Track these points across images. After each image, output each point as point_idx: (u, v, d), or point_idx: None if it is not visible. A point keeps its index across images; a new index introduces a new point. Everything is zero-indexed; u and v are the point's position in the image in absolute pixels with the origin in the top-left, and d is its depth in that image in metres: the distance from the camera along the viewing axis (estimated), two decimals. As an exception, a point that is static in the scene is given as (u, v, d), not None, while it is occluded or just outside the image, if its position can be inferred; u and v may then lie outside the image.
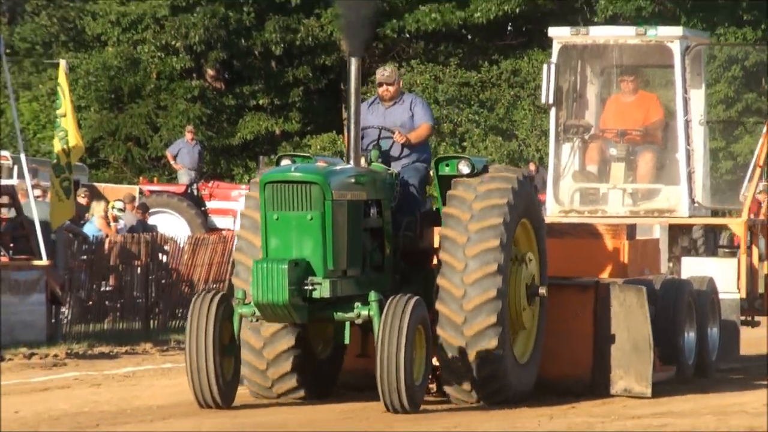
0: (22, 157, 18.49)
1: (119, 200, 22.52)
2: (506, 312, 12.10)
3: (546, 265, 12.78)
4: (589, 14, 34.38)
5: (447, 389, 12.16)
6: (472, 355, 11.91)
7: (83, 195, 22.10)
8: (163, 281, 20.02)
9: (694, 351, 14.15)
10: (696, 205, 15.57)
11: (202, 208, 26.94)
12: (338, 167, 11.97)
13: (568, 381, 12.90)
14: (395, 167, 12.57)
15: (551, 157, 15.85)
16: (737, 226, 15.41)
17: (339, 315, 11.73)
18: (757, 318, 15.70)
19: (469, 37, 36.42)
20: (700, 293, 14.35)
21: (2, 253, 17.27)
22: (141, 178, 31.25)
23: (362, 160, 12.21)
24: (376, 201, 12.17)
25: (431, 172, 12.58)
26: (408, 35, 35.59)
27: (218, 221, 26.76)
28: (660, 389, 12.93)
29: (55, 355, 16.01)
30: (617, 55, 15.66)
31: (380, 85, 12.79)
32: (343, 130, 30.26)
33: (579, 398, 12.63)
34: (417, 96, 13.25)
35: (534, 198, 12.74)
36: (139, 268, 19.66)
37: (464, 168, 12.34)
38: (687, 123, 15.50)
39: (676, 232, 15.85)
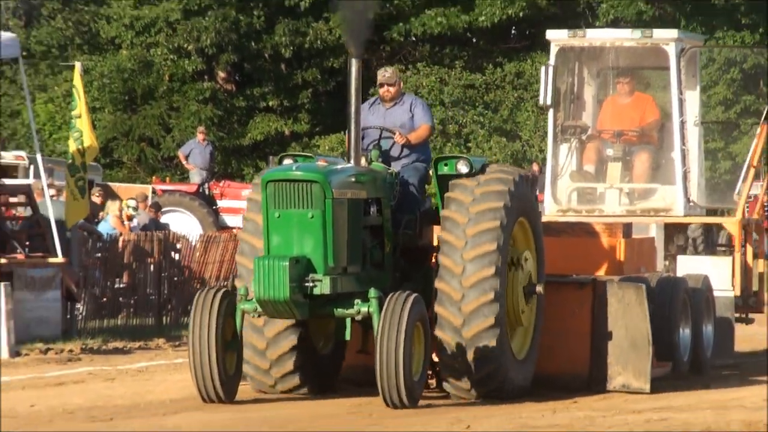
0: (38, 157, 18.49)
1: (132, 199, 22.48)
2: (504, 313, 12.03)
3: (543, 263, 12.71)
4: (591, 18, 34.34)
5: (446, 386, 12.10)
6: (470, 355, 11.85)
7: (97, 194, 22.08)
8: (176, 278, 19.98)
9: (689, 348, 14.10)
10: (691, 204, 15.51)
11: (214, 207, 26.90)
12: (339, 166, 11.92)
13: (567, 377, 12.84)
14: (395, 167, 12.52)
15: (549, 157, 15.79)
16: (732, 224, 15.36)
17: (339, 311, 11.68)
18: (751, 315, 15.66)
19: (474, 40, 36.40)
20: (695, 291, 14.30)
21: (18, 251, 17.23)
22: (154, 177, 31.22)
23: (363, 160, 12.16)
24: (376, 199, 12.12)
25: (430, 172, 12.52)
26: (414, 38, 35.56)
27: (229, 220, 26.70)
28: (658, 385, 12.88)
29: (70, 351, 15.99)
30: (613, 57, 15.62)
31: (381, 85, 12.74)
32: (349, 131, 30.14)
33: (580, 393, 12.58)
34: (417, 97, 13.20)
35: (531, 197, 12.68)
36: (152, 266, 19.62)
37: (463, 168, 12.28)
38: (682, 124, 15.46)
39: (672, 230, 15.79)
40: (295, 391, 12.20)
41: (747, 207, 28.70)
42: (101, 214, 21.61)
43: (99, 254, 18.97)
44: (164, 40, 34.10)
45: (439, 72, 34.58)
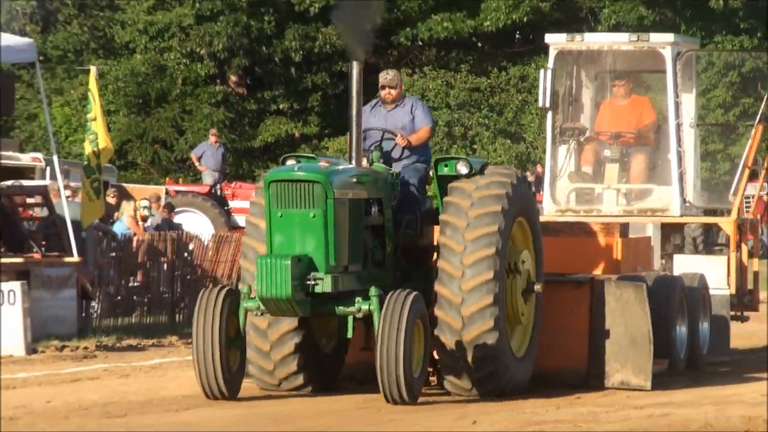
0: (55, 158, 18.46)
1: (145, 199, 22.45)
2: (503, 316, 11.94)
3: (542, 263, 12.62)
4: (593, 23, 34.29)
5: (447, 384, 12.01)
6: (470, 356, 11.77)
7: (112, 195, 22.05)
8: (188, 277, 19.91)
9: (685, 345, 14.03)
10: (687, 204, 15.44)
11: (225, 208, 26.87)
12: (340, 167, 11.86)
13: (566, 374, 12.75)
14: (396, 167, 12.44)
15: (548, 158, 15.72)
16: (727, 224, 15.28)
17: (340, 309, 11.61)
18: (746, 313, 15.56)
19: (479, 44, 36.36)
20: (692, 289, 14.23)
21: (35, 250, 17.20)
22: (167, 178, 31.22)
23: (364, 161, 12.09)
24: (378, 200, 12.05)
25: (431, 173, 12.44)
26: (421, 43, 35.55)
27: (240, 220, 26.59)
28: (655, 381, 12.76)
29: (86, 348, 15.96)
30: (611, 60, 15.55)
31: (383, 88, 12.67)
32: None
33: (582, 390, 12.52)
34: (417, 99, 13.12)
35: (530, 197, 12.58)
36: (165, 265, 19.56)
37: (462, 168, 12.20)
38: (678, 126, 15.38)
39: (668, 230, 15.72)
40: (299, 389, 12.12)
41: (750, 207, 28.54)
42: (116, 214, 21.58)
43: (113, 254, 18.93)
44: (177, 45, 34.10)
45: (446, 75, 34.56)
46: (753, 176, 15.97)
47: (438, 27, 34.59)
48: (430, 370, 12.20)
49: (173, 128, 34.25)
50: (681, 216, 15.43)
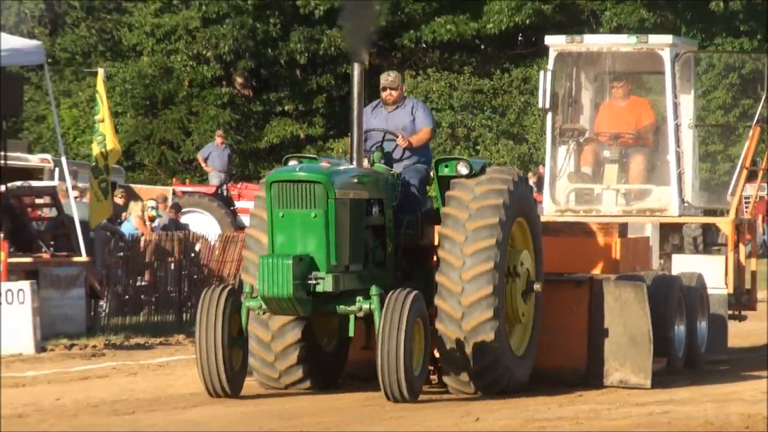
0: (63, 160, 18.45)
1: (152, 199, 22.46)
2: (503, 306, 11.91)
3: (542, 262, 12.58)
4: (594, 25, 34.25)
5: (446, 378, 11.97)
6: (469, 347, 11.73)
7: (120, 195, 22.07)
8: (195, 276, 19.90)
9: (683, 343, 13.99)
10: (685, 204, 15.39)
11: (232, 208, 26.86)
12: (342, 167, 11.84)
13: (565, 373, 12.71)
14: (397, 168, 12.41)
15: (547, 159, 15.69)
16: (725, 224, 15.24)
17: (341, 308, 11.59)
18: (743, 312, 15.52)
19: (482, 46, 36.34)
20: (690, 289, 14.20)
21: (44, 250, 17.21)
22: (174, 179, 31.20)
23: (365, 161, 12.06)
24: (378, 200, 12.02)
25: (431, 173, 12.41)
26: (425, 45, 35.52)
27: (246, 220, 26.56)
28: (654, 380, 12.70)
29: (94, 346, 15.95)
30: (610, 62, 15.51)
31: (384, 89, 12.65)
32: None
33: (583, 388, 12.49)
34: (418, 100, 13.12)
35: (529, 198, 12.55)
36: (172, 264, 19.57)
37: (463, 169, 12.18)
38: (677, 126, 15.35)
39: (667, 230, 15.68)
40: (299, 384, 12.09)
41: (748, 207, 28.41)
42: (124, 214, 21.58)
43: (121, 253, 18.94)
44: (184, 47, 34.09)
45: (449, 77, 34.54)
46: (752, 177, 15.93)
47: (441, 29, 34.56)
48: (431, 368, 12.16)
49: (180, 130, 34.23)
50: (679, 216, 15.39)
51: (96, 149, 17.64)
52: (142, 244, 19.33)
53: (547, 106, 15.32)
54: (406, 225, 12.17)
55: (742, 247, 15.21)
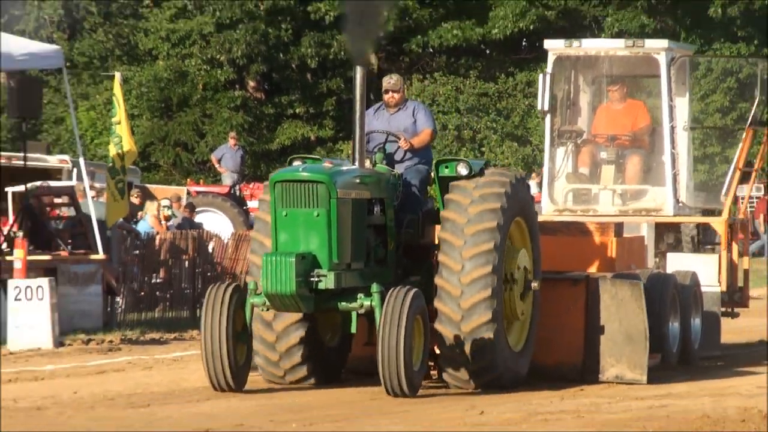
0: (81, 160, 18.47)
1: (166, 199, 22.46)
2: (501, 308, 11.83)
3: (540, 261, 12.50)
4: (597, 30, 34.19)
5: (446, 376, 11.89)
6: (469, 347, 11.66)
7: (136, 195, 22.07)
8: (209, 274, 19.88)
9: (678, 340, 13.89)
10: (680, 204, 15.31)
11: (244, 207, 26.83)
12: (344, 168, 11.78)
13: (563, 369, 12.62)
14: (398, 169, 12.34)
15: (546, 160, 15.63)
16: (718, 224, 15.17)
17: (343, 305, 11.52)
18: (736, 309, 15.44)
19: (488, 51, 36.29)
20: (684, 286, 14.10)
21: (62, 248, 17.21)
22: (188, 179, 31.19)
23: (367, 162, 12.00)
24: (380, 200, 11.96)
25: (432, 174, 12.33)
26: (432, 50, 35.48)
27: (258, 219, 26.57)
28: (649, 376, 12.62)
29: (111, 341, 15.93)
30: (607, 65, 15.43)
31: (386, 92, 12.59)
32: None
33: (583, 383, 12.43)
34: (419, 103, 13.05)
35: (528, 198, 12.46)
36: (186, 262, 19.57)
37: (462, 170, 12.11)
38: (672, 129, 15.27)
39: (662, 229, 15.61)
40: (304, 381, 12.04)
41: (753, 207, 28.17)
42: (140, 214, 21.58)
43: (137, 251, 18.94)
44: (198, 52, 34.09)
45: (455, 81, 34.51)
46: (746, 178, 15.83)
47: (448, 35, 34.53)
48: (431, 364, 12.10)
49: (194, 131, 34.22)
50: (674, 216, 15.32)
51: (113, 150, 17.66)
52: (157, 242, 19.33)
53: (546, 108, 15.26)
54: (407, 224, 12.11)
55: (735, 245, 15.13)
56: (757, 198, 32.26)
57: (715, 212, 15.68)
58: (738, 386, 12.24)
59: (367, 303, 11.39)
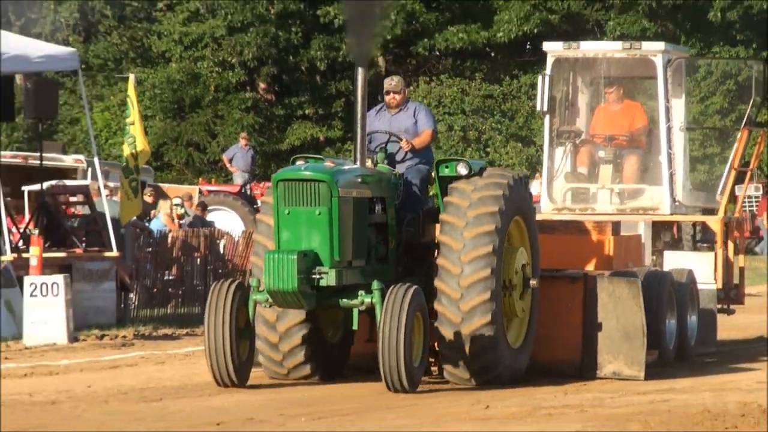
0: (95, 160, 18.49)
1: (178, 197, 22.44)
2: (500, 310, 11.73)
3: (538, 259, 12.39)
4: (599, 34, 34.12)
5: (447, 374, 11.80)
6: (468, 348, 11.58)
7: (149, 194, 22.04)
8: (220, 271, 19.84)
9: (674, 337, 13.79)
10: (677, 203, 15.23)
11: (255, 206, 26.73)
12: (346, 167, 11.68)
13: (562, 365, 12.52)
14: (399, 168, 12.25)
15: (545, 159, 15.56)
16: (714, 222, 15.09)
17: (344, 302, 11.44)
18: (732, 306, 15.36)
19: (493, 54, 36.25)
20: (680, 284, 14.00)
21: (77, 246, 17.20)
22: (200, 179, 31.17)
23: (369, 162, 11.92)
24: (381, 198, 11.86)
25: (433, 173, 12.24)
26: (438, 53, 35.45)
27: (269, 217, 26.51)
28: (647, 372, 12.53)
29: (124, 336, 15.91)
30: (605, 67, 15.36)
31: (387, 93, 12.50)
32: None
33: (584, 379, 12.36)
34: (420, 104, 12.94)
35: (526, 197, 12.35)
36: (198, 259, 19.54)
37: (462, 170, 12.02)
38: (669, 129, 15.20)
39: (659, 228, 15.53)
40: (307, 379, 11.95)
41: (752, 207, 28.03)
42: (153, 212, 21.56)
43: (150, 249, 18.90)
44: (210, 54, 34.08)
45: (461, 83, 34.46)
46: (743, 178, 15.75)
47: (454, 38, 34.48)
48: (432, 360, 12.02)
49: (206, 132, 34.21)
50: (671, 214, 15.24)
51: (127, 150, 17.65)
52: (169, 240, 19.31)
53: (545, 109, 15.21)
54: (408, 223, 12.02)
55: (730, 243, 15.06)
56: (756, 198, 32.14)
57: (713, 211, 15.61)
58: (738, 381, 12.20)
59: (367, 300, 11.31)
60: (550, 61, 15.45)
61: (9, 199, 18.54)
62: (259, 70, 34.20)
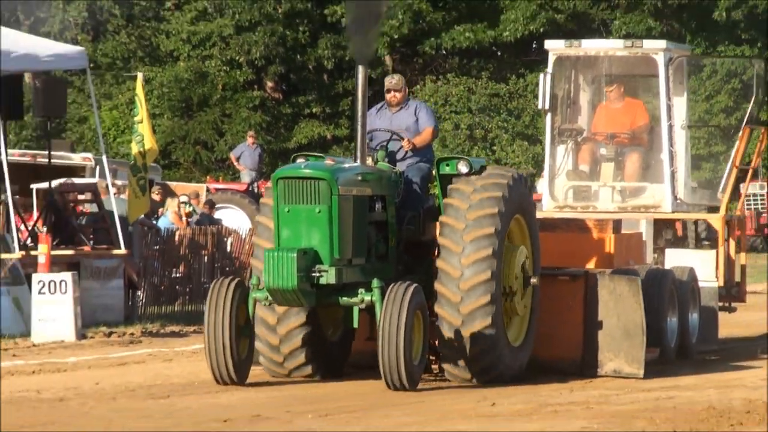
0: (104, 158, 18.49)
1: (185, 195, 22.46)
2: (500, 312, 11.66)
3: (539, 257, 12.32)
4: (605, 33, 34.07)
5: (447, 373, 11.74)
6: (469, 348, 11.52)
7: (157, 192, 22.04)
8: (227, 268, 19.85)
9: (676, 334, 13.72)
10: (678, 201, 15.20)
11: (262, 204, 26.75)
12: (346, 165, 11.62)
13: (563, 363, 12.46)
14: (400, 166, 12.18)
15: (547, 157, 15.54)
16: (716, 220, 15.05)
17: (344, 300, 11.38)
18: (733, 304, 15.31)
19: (499, 53, 36.23)
20: (682, 282, 13.93)
21: (85, 243, 17.21)
22: (208, 177, 31.16)
23: (369, 160, 11.87)
24: (381, 197, 11.80)
25: (433, 172, 12.19)
26: (444, 52, 35.43)
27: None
28: (649, 370, 12.49)
29: (132, 334, 15.90)
30: (607, 65, 15.33)
31: (388, 91, 12.43)
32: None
33: (586, 377, 12.32)
34: (421, 102, 12.89)
35: (527, 195, 12.28)
36: (206, 257, 19.56)
37: (463, 168, 11.96)
38: (670, 127, 15.14)
39: (661, 226, 15.48)
40: (307, 377, 11.87)
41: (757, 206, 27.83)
42: (160, 210, 21.57)
43: (158, 247, 18.89)
44: (218, 53, 34.11)
45: (467, 82, 34.44)
46: (745, 176, 15.73)
47: (461, 37, 34.46)
48: (433, 358, 11.95)
49: (214, 130, 34.23)
50: (672, 212, 15.20)
51: (135, 148, 17.67)
52: (177, 237, 19.31)
53: (547, 107, 15.19)
54: (408, 221, 11.96)
55: (732, 241, 15.02)
56: (762, 196, 32.06)
57: (717, 209, 15.59)
58: (743, 378, 12.17)
59: (367, 298, 11.25)
60: (551, 59, 15.42)
61: (17, 197, 18.52)
62: (267, 68, 34.21)
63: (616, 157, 15.29)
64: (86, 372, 12.61)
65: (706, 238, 15.96)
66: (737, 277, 15.18)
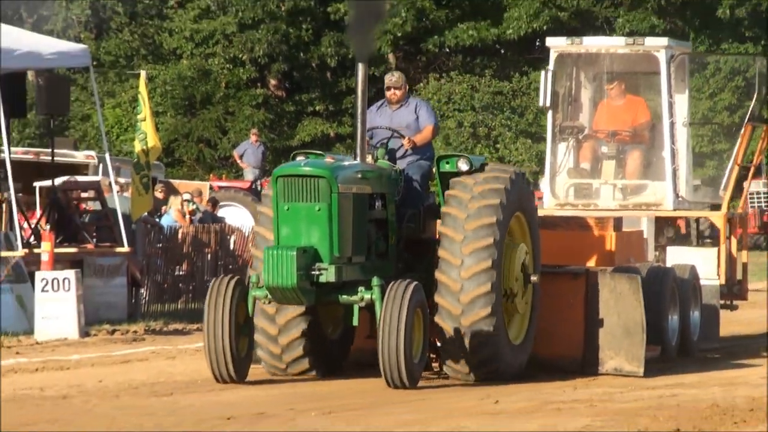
0: (107, 156, 18.47)
1: (188, 193, 22.46)
2: (500, 302, 11.63)
3: (539, 255, 12.28)
4: (608, 31, 34.05)
5: (447, 369, 11.70)
6: (468, 341, 11.48)
7: (160, 190, 22.03)
8: (230, 266, 19.81)
9: (677, 332, 13.68)
10: (680, 199, 15.18)
11: (265, 202, 26.75)
12: (345, 163, 11.58)
13: (563, 361, 12.43)
14: (400, 164, 12.14)
15: (548, 155, 15.51)
16: (717, 218, 15.03)
17: (344, 298, 11.34)
18: (735, 302, 15.28)
19: (502, 51, 36.23)
20: (683, 280, 13.88)
21: (88, 241, 17.21)
22: (211, 175, 31.14)
23: (369, 157, 11.84)
24: (381, 194, 11.76)
25: (433, 169, 12.17)
26: (448, 49, 35.43)
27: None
28: (650, 368, 12.46)
29: (135, 332, 15.89)
30: (608, 62, 15.30)
31: (388, 89, 12.38)
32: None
33: (587, 375, 12.30)
34: (421, 100, 12.85)
35: (527, 193, 12.25)
36: (209, 255, 19.52)
37: (463, 165, 11.93)
38: (672, 125, 15.10)
39: (662, 223, 15.45)
40: (305, 373, 11.85)
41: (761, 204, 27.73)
42: (163, 208, 21.57)
43: (161, 244, 18.86)
44: (221, 51, 34.12)
45: (471, 80, 34.44)
46: (747, 173, 15.71)
47: (464, 35, 34.45)
48: (433, 356, 11.93)
49: (217, 128, 34.25)
50: (674, 210, 15.17)
51: (138, 146, 17.64)
52: (180, 235, 19.30)
53: (548, 104, 15.16)
54: (408, 219, 11.93)
55: (733, 239, 15.00)
56: (765, 194, 32.02)
57: (720, 207, 15.57)
58: (746, 376, 12.16)
59: (367, 296, 11.21)
60: (553, 56, 15.39)
61: (20, 194, 18.50)
62: (270, 66, 34.22)
63: (618, 155, 15.25)
64: (89, 370, 12.61)
65: (710, 236, 15.93)
66: (739, 275, 15.15)
